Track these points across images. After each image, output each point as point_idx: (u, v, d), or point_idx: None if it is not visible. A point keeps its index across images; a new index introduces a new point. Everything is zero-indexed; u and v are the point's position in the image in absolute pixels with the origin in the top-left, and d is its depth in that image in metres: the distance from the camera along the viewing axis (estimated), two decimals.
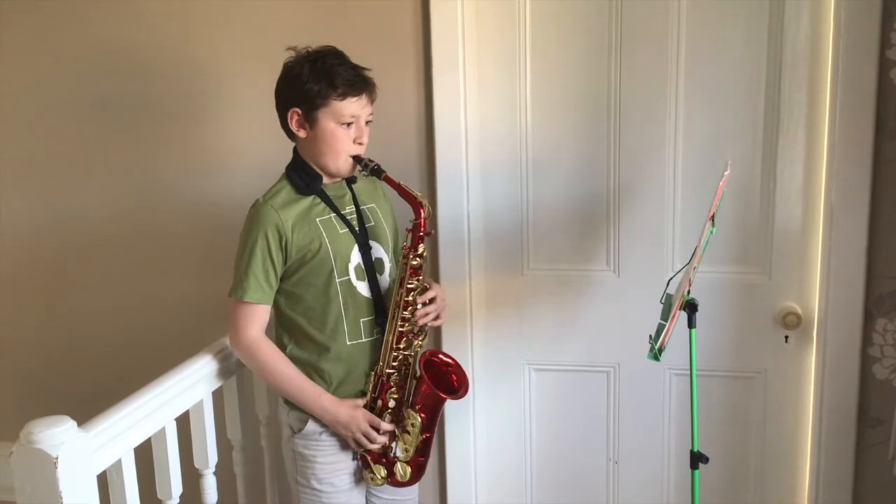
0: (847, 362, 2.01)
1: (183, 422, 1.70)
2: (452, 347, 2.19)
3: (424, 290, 1.78)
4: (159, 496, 1.64)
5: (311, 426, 1.78)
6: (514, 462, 2.32)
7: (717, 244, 2.01)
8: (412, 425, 1.76)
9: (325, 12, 2.13)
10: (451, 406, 2.06)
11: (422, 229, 1.73)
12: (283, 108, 1.73)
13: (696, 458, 1.69)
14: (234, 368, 1.85)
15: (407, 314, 1.75)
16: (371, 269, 1.78)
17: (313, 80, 1.67)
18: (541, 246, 2.19)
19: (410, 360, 1.78)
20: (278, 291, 1.74)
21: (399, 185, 1.72)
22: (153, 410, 1.56)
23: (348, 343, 1.76)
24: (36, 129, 2.40)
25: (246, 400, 1.95)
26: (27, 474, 1.27)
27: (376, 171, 1.72)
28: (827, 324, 2.00)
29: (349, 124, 1.70)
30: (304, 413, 1.78)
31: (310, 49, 1.71)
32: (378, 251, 1.81)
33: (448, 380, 1.81)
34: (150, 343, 2.39)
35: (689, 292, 1.64)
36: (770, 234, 2.06)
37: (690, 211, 2.07)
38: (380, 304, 1.78)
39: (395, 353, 1.75)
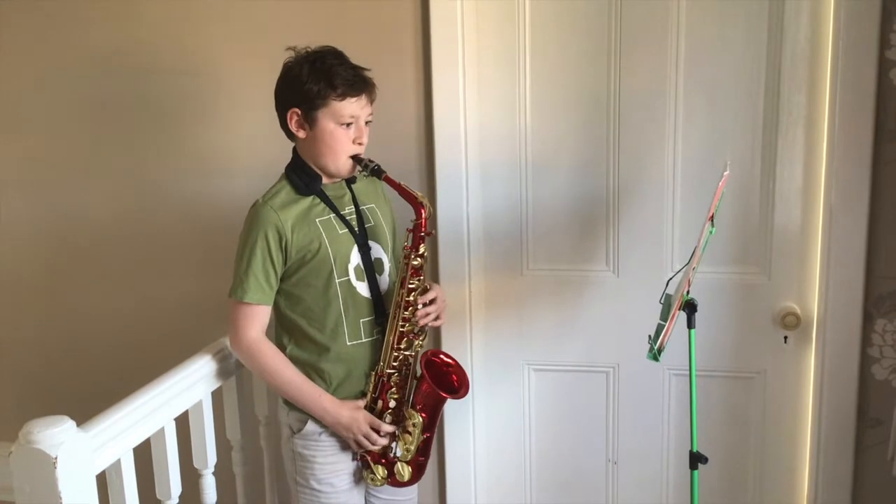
0: (846, 363, 2.01)
1: (182, 422, 1.70)
2: (452, 347, 2.19)
3: (425, 290, 1.78)
4: (158, 496, 1.64)
5: (311, 426, 1.78)
6: (513, 462, 2.32)
7: (717, 244, 2.02)
8: (413, 425, 1.76)
9: (324, 12, 2.13)
10: (450, 406, 2.06)
11: (423, 229, 1.73)
12: (282, 108, 1.73)
13: (696, 459, 1.69)
14: (233, 369, 1.85)
15: (407, 314, 1.75)
16: (371, 269, 1.78)
17: (313, 80, 1.67)
18: (540, 246, 2.19)
19: (411, 360, 1.78)
20: (278, 292, 1.74)
21: (399, 185, 1.72)
22: (152, 410, 1.56)
23: (348, 343, 1.76)
24: (36, 129, 2.40)
25: (245, 400, 1.95)
26: (26, 474, 1.27)
27: (376, 172, 1.72)
28: (826, 324, 2.00)
29: (349, 124, 1.70)
30: (303, 413, 1.78)
31: (309, 49, 1.71)
32: (377, 251, 1.81)
33: (448, 380, 1.82)
34: (150, 343, 2.39)
35: (688, 292, 1.64)
36: (769, 235, 2.06)
37: (690, 211, 2.07)
38: (379, 305, 1.78)
39: (395, 354, 1.75)
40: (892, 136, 1.91)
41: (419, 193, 1.73)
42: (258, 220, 1.70)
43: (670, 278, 1.77)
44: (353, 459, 1.82)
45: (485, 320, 2.24)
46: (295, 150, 1.78)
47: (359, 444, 1.76)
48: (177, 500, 1.66)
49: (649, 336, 1.64)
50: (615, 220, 2.12)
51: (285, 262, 1.71)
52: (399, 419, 1.78)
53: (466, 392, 1.81)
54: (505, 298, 2.22)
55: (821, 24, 1.93)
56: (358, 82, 1.69)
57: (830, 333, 2.01)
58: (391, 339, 1.75)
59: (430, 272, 2.16)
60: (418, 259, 1.74)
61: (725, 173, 1.64)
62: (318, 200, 1.75)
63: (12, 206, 2.46)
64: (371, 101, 1.73)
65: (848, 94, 1.89)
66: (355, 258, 1.75)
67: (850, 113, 1.90)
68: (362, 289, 1.76)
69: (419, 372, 1.79)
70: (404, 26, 2.10)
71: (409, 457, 1.78)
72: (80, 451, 1.31)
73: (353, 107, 1.69)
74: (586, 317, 2.18)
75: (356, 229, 1.77)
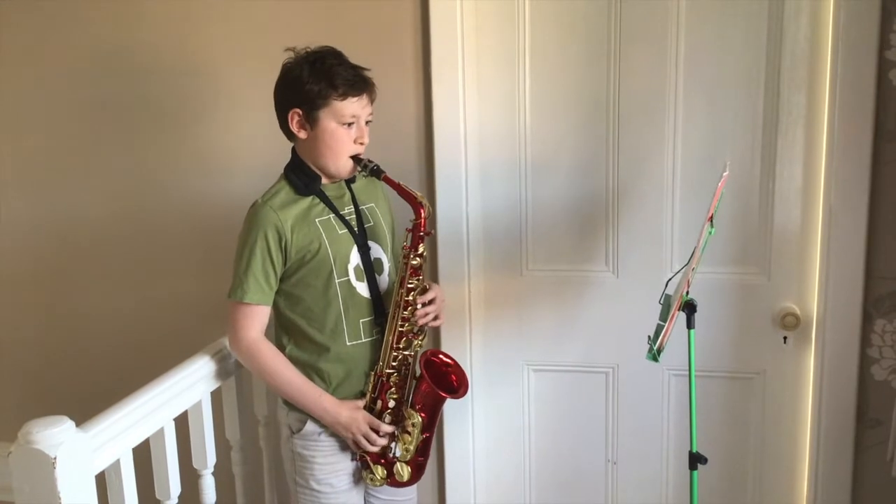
0: (846, 363, 2.01)
1: (182, 422, 1.70)
2: (451, 348, 2.19)
3: (424, 290, 1.78)
4: (158, 496, 1.64)
5: (311, 426, 1.78)
6: (512, 462, 2.32)
7: (716, 245, 2.02)
8: (412, 425, 1.76)
9: (324, 12, 2.13)
10: (449, 406, 2.06)
11: (422, 229, 1.73)
12: (282, 109, 1.73)
13: (695, 459, 1.69)
14: (232, 369, 1.85)
15: (407, 314, 1.75)
16: (370, 269, 1.78)
17: (313, 80, 1.67)
18: (540, 246, 2.19)
19: (410, 360, 1.78)
20: (277, 292, 1.74)
21: (399, 185, 1.72)
22: (152, 411, 1.56)
23: (348, 344, 1.76)
24: (36, 129, 2.40)
25: (245, 400, 1.95)
26: (25, 474, 1.27)
27: (376, 172, 1.72)
28: (826, 325, 2.00)
29: (350, 124, 1.70)
30: (303, 413, 1.78)
31: (308, 50, 1.71)
32: (377, 251, 1.81)
33: (448, 380, 1.82)
34: (150, 343, 2.39)
35: (687, 293, 1.64)
36: (769, 235, 2.06)
37: (689, 211, 2.07)
38: (379, 305, 1.78)
39: (394, 353, 1.75)
40: (892, 136, 1.91)
41: (418, 193, 1.73)
42: (258, 220, 1.70)
43: (670, 279, 1.77)
44: (353, 460, 1.82)
45: (484, 320, 2.24)
46: (294, 150, 1.78)
47: (358, 445, 1.76)
48: (176, 501, 1.66)
49: (649, 336, 1.64)
50: (615, 221, 2.12)
51: (285, 263, 1.71)
52: (398, 419, 1.78)
53: (466, 392, 1.81)
54: (504, 298, 2.22)
55: (820, 24, 1.93)
56: (358, 82, 1.69)
57: (830, 334, 2.01)
58: (390, 338, 1.75)
59: (430, 272, 2.16)
60: (417, 259, 1.74)
61: (725, 173, 1.64)
62: (317, 201, 1.75)
63: (12, 206, 2.46)
64: (371, 100, 1.73)
65: (847, 94, 1.89)
66: (355, 258, 1.75)
67: (850, 113, 1.90)
68: (362, 289, 1.76)
69: (418, 372, 1.79)
70: (404, 26, 2.10)
71: (409, 457, 1.78)
72: (79, 451, 1.31)
73: (354, 106, 1.69)
74: (586, 317, 2.18)
75: (356, 229, 1.77)
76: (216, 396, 1.83)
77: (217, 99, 2.25)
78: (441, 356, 1.84)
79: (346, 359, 1.76)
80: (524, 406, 2.28)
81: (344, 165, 1.73)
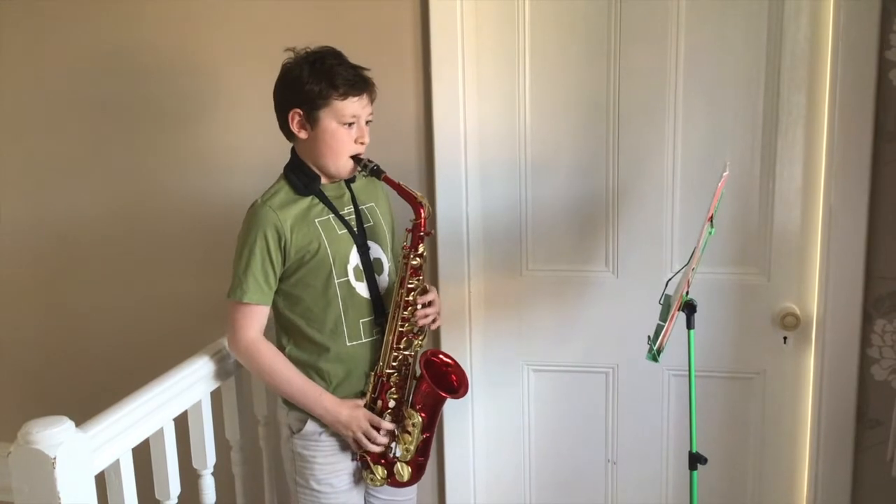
0: (846, 363, 2.01)
1: (181, 422, 1.70)
2: (451, 348, 2.19)
3: (425, 290, 1.78)
4: (157, 497, 1.64)
5: (311, 426, 1.78)
6: (512, 462, 2.32)
7: (716, 245, 2.01)
8: (413, 425, 1.76)
9: (324, 12, 2.13)
10: (449, 406, 2.06)
11: (422, 229, 1.73)
12: (282, 109, 1.73)
13: (695, 459, 1.69)
14: (232, 369, 1.85)
15: (407, 314, 1.75)
16: (370, 269, 1.78)
17: (314, 80, 1.67)
18: (540, 246, 2.19)
19: (410, 360, 1.78)
20: (277, 292, 1.74)
21: (399, 185, 1.72)
22: (151, 411, 1.56)
23: (348, 344, 1.76)
24: (36, 129, 2.40)
25: (244, 400, 1.95)
26: (25, 474, 1.27)
27: (375, 172, 1.72)
28: (826, 325, 2.00)
29: (350, 124, 1.70)
30: (303, 413, 1.77)
31: (308, 50, 1.71)
32: (376, 251, 1.81)
33: (448, 379, 1.82)
34: (150, 343, 2.39)
35: (687, 293, 1.64)
36: (769, 235, 2.05)
37: (689, 212, 2.07)
38: (379, 305, 1.78)
39: (395, 353, 1.75)
40: (892, 137, 1.91)
41: (418, 193, 1.73)
42: (257, 220, 1.70)
43: (670, 279, 1.77)
44: (353, 460, 1.82)
45: (484, 320, 2.24)
46: (294, 150, 1.78)
47: (358, 443, 1.76)
48: (176, 501, 1.66)
49: (649, 336, 1.64)
50: (615, 221, 2.12)
51: (284, 263, 1.71)
52: (398, 419, 1.78)
53: (466, 392, 1.81)
54: (504, 299, 2.22)
55: (820, 25, 1.93)
56: (359, 82, 1.70)
57: (830, 334, 2.01)
58: (390, 338, 1.75)
59: (430, 272, 2.16)
60: (417, 259, 1.74)
61: (725, 174, 1.64)
62: (316, 201, 1.75)
63: (12, 206, 2.46)
64: (371, 100, 1.73)
65: (848, 94, 1.89)
66: (354, 258, 1.75)
67: (850, 113, 1.90)
68: (361, 289, 1.76)
69: (418, 372, 1.79)
70: (404, 26, 2.10)
71: (409, 457, 1.78)
72: (79, 451, 1.31)
73: (354, 106, 1.69)
74: (586, 317, 2.18)
75: (355, 230, 1.77)
76: (216, 396, 1.83)
77: (217, 99, 2.25)
78: (441, 356, 1.84)
79: (346, 359, 1.76)
80: (524, 406, 2.28)
81: (344, 165, 1.73)
